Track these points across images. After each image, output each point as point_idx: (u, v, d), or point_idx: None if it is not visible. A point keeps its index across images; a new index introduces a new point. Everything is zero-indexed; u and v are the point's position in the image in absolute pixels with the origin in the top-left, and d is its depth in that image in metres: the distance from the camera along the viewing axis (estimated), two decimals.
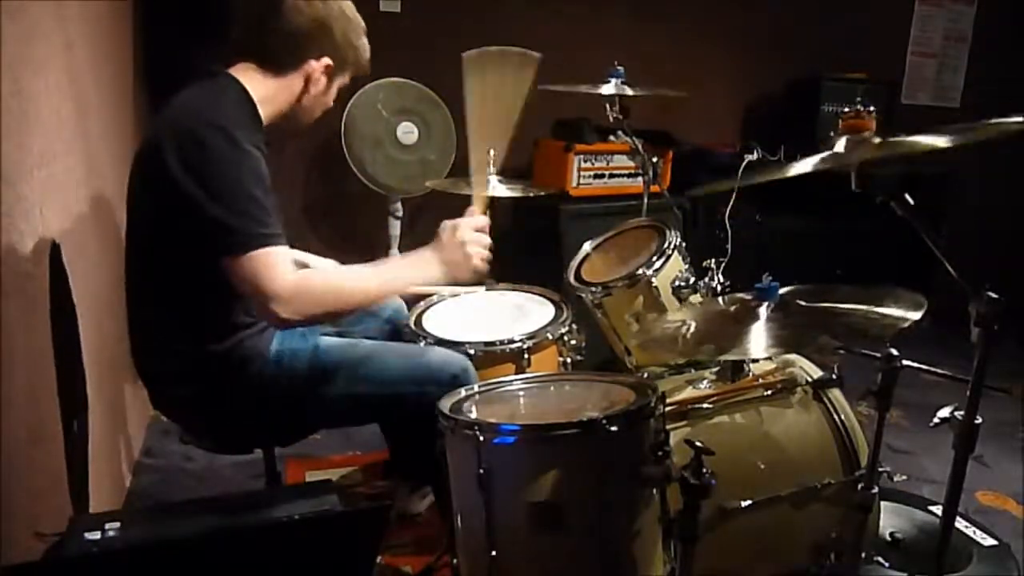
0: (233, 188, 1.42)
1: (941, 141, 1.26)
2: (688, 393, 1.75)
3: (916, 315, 1.33)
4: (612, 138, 3.27)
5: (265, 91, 1.59)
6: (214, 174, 1.41)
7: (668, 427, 1.34)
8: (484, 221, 1.65)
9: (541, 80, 2.29)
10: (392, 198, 3.25)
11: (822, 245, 3.63)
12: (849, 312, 1.45)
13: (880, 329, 1.35)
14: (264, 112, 1.59)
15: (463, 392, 1.49)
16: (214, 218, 1.40)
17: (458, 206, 1.68)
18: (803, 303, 1.51)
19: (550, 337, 1.95)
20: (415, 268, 1.61)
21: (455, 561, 1.45)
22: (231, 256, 1.41)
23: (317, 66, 1.61)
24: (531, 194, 2.62)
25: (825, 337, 1.39)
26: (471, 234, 1.59)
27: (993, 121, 1.24)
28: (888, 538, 1.89)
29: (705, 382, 1.80)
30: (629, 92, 2.19)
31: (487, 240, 1.62)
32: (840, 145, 1.37)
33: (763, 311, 1.51)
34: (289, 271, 1.44)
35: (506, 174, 2.56)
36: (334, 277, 1.58)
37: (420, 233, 3.41)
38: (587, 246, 2.19)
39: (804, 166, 1.40)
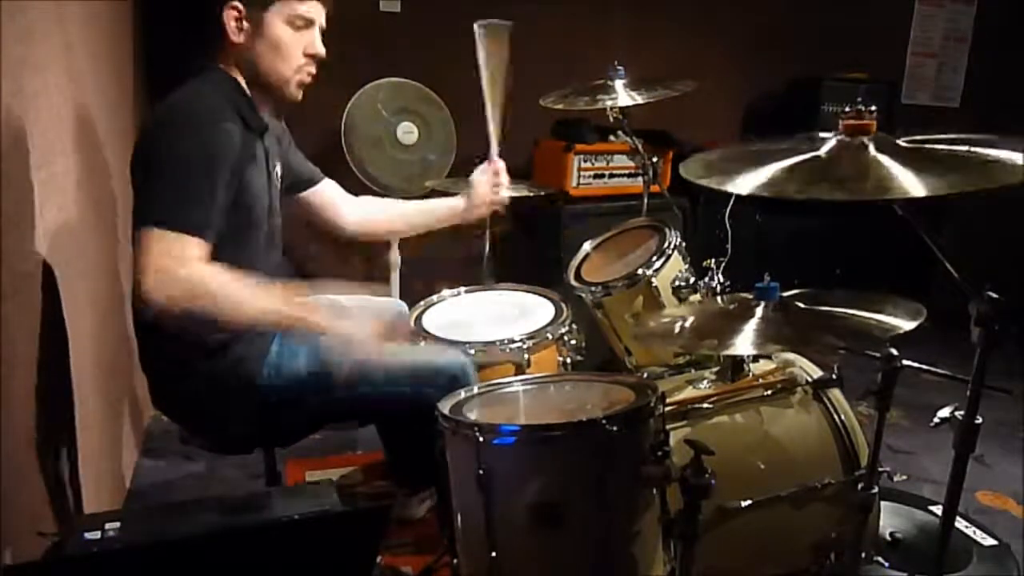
0: (175, 165, 1.43)
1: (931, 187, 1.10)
2: (688, 393, 1.74)
3: (912, 324, 1.33)
4: (612, 138, 3.30)
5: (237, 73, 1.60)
6: (167, 151, 1.45)
7: (668, 427, 1.34)
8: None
9: (543, 87, 2.29)
10: (392, 198, 3.25)
11: (822, 245, 3.63)
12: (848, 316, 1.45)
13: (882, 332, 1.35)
14: (252, 95, 1.61)
15: (463, 393, 1.49)
16: (147, 189, 1.45)
17: None
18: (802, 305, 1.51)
19: (550, 337, 1.95)
20: (292, 310, 1.51)
21: (455, 561, 1.45)
22: (139, 227, 1.41)
23: (226, 10, 1.54)
24: (531, 194, 2.63)
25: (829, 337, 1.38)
26: (369, 331, 1.56)
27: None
28: (888, 538, 1.88)
29: (705, 382, 1.80)
30: (639, 101, 2.17)
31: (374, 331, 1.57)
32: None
33: (760, 310, 1.50)
34: (184, 261, 1.38)
35: (506, 174, 2.56)
36: (221, 286, 1.43)
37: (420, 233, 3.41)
38: (587, 246, 2.18)
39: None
